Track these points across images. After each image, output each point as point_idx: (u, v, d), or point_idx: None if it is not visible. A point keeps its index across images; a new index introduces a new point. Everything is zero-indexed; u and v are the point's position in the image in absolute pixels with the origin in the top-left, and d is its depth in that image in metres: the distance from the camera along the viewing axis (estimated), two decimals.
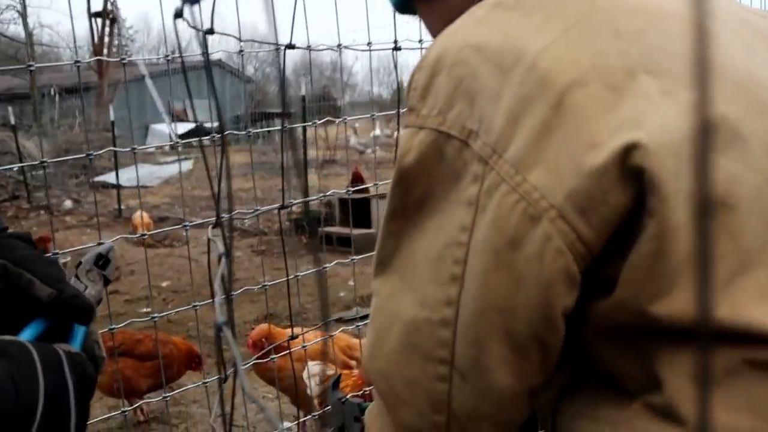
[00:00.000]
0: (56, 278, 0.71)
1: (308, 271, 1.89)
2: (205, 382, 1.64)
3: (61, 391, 0.61)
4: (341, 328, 2.00)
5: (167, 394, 1.55)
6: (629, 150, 0.65)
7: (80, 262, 0.78)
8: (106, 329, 1.42)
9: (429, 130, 0.75)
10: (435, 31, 0.92)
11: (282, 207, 1.42)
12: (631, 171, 0.65)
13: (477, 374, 0.74)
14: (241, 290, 1.72)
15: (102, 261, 0.79)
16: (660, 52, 0.71)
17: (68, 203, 12.44)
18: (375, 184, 1.80)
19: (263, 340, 3.24)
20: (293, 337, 1.74)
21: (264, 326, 3.45)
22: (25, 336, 0.67)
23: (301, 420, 3.54)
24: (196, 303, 1.64)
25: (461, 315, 0.73)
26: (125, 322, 1.58)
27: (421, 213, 0.78)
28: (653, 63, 0.70)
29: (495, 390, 0.74)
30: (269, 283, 1.71)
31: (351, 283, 6.42)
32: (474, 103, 0.72)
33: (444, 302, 0.74)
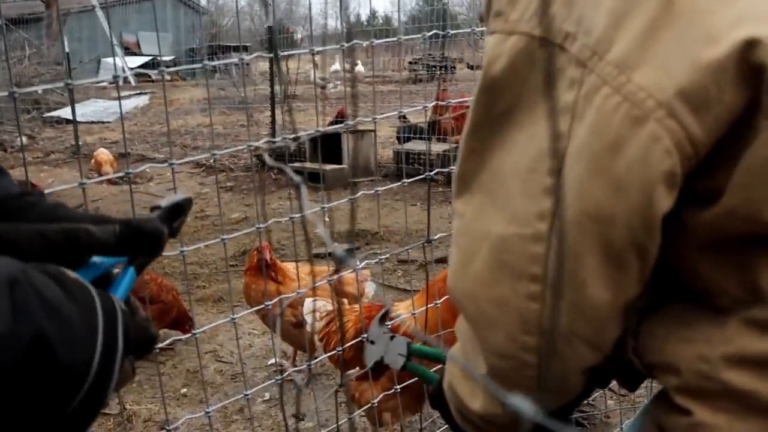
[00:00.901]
0: (101, 217, 0.64)
1: (347, 205, 1.82)
2: (233, 318, 1.58)
3: (111, 351, 0.56)
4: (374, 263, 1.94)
5: (196, 331, 1.50)
6: (750, 45, 0.61)
7: (158, 206, 0.70)
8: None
9: (520, 35, 0.71)
10: None
11: (322, 133, 1.36)
12: (751, 68, 0.62)
13: (571, 290, 0.70)
14: (337, 202, 1.65)
15: (173, 211, 0.70)
16: None
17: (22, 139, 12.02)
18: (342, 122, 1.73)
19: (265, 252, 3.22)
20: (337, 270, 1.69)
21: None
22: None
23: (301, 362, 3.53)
24: (224, 236, 1.57)
25: (556, 227, 0.69)
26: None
27: (507, 125, 0.73)
28: None
29: (590, 306, 0.71)
30: (296, 216, 1.65)
31: (327, 219, 6.37)
32: (572, 4, 0.68)
33: (536, 216, 0.70)
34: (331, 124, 7.58)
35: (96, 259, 0.63)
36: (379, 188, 1.72)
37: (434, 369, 1.40)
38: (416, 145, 7.79)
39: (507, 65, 0.71)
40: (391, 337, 1.34)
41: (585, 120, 0.66)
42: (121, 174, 1.44)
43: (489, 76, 0.73)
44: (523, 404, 0.32)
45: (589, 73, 0.66)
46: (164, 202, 0.70)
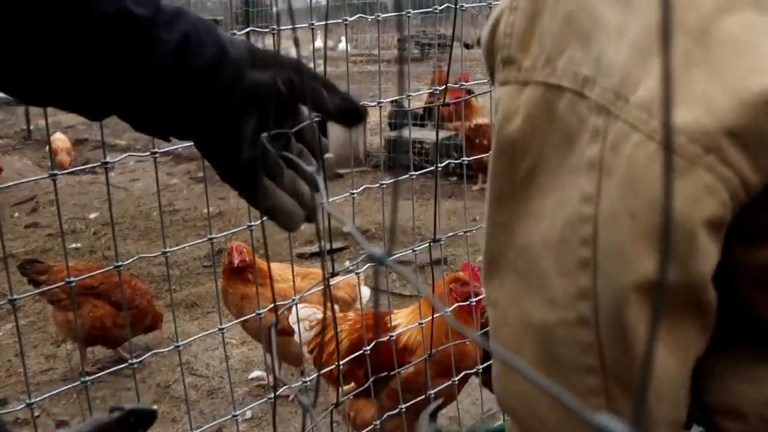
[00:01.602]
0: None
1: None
2: (222, 328, 1.54)
3: None
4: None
5: (179, 343, 1.44)
6: None
7: (120, 408, 0.73)
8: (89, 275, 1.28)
9: (536, 85, 0.66)
10: None
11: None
12: None
13: (637, 374, 0.64)
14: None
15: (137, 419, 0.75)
16: None
17: None
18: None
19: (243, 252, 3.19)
20: (333, 274, 1.63)
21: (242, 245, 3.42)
22: None
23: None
24: (212, 236, 1.52)
25: (602, 306, 0.63)
26: (136, 256, 1.47)
27: (532, 191, 0.68)
28: None
29: (663, 381, 0.65)
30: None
31: None
32: (589, 44, 0.63)
33: (576, 295, 0.64)
34: None
35: None
36: (383, 182, 1.67)
37: None
38: (411, 133, 7.72)
39: (524, 122, 0.67)
40: None
41: (615, 175, 0.61)
42: (97, 164, 1.39)
43: (505, 135, 0.68)
44: (615, 425, 0.28)
45: (614, 119, 0.61)
46: (128, 406, 0.72)
